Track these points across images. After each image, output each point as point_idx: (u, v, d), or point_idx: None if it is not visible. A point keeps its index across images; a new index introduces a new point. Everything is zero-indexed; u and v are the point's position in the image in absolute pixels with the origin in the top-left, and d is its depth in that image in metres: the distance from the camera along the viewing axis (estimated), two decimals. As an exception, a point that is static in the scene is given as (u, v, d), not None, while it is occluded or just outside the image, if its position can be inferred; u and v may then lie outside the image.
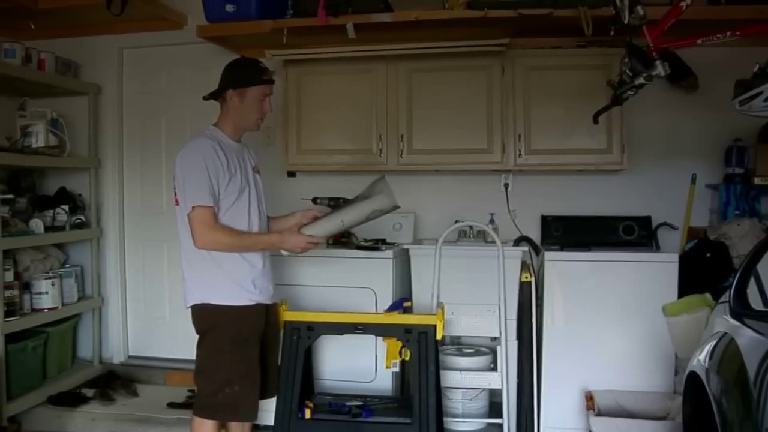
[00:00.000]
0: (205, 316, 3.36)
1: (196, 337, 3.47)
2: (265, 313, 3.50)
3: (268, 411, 3.83)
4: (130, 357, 5.69)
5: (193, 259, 3.35)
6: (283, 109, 4.84)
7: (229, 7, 4.56)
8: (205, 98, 3.48)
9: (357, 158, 4.78)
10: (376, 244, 4.57)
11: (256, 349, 3.43)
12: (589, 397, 4.08)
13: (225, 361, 3.34)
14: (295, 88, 4.82)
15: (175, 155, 5.12)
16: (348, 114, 4.77)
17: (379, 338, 4.02)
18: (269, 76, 3.48)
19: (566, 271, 4.27)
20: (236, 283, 3.35)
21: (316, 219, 3.58)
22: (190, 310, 3.42)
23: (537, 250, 4.80)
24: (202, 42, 4.89)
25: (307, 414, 3.72)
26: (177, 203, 3.36)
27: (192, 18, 5.10)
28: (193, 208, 3.23)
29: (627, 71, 3.58)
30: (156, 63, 5.53)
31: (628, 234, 4.73)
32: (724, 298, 2.82)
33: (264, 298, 3.47)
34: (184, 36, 5.15)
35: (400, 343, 3.72)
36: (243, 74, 3.44)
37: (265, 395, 3.56)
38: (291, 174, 5.14)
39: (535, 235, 4.93)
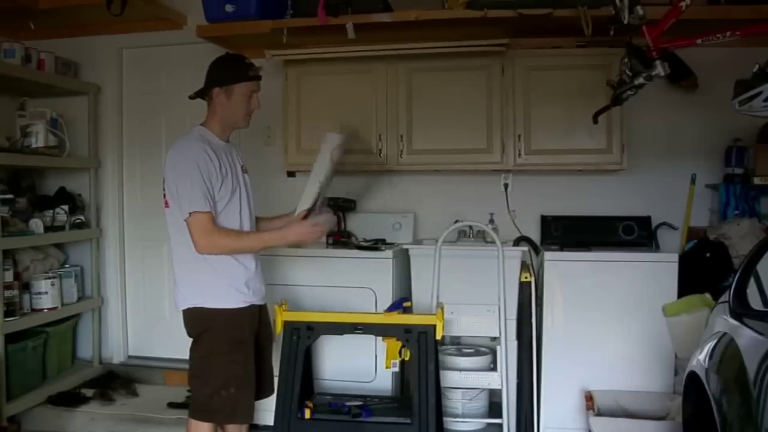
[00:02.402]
0: (199, 320, 3.32)
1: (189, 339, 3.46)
2: (258, 313, 3.48)
3: (267, 411, 3.84)
4: (129, 357, 5.69)
5: (185, 261, 3.31)
6: (283, 109, 4.84)
7: (228, 7, 4.55)
8: (191, 97, 3.41)
9: (357, 158, 4.72)
10: (375, 244, 4.57)
11: (251, 351, 3.41)
12: (589, 397, 4.08)
13: (220, 363, 3.30)
14: (295, 88, 4.80)
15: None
16: (348, 114, 4.75)
17: (379, 338, 4.01)
18: (255, 72, 3.42)
19: (566, 271, 4.26)
20: (230, 285, 3.31)
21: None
22: (181, 312, 3.39)
23: (537, 250, 4.80)
24: (201, 42, 4.85)
25: (307, 414, 3.71)
26: (167, 205, 3.28)
27: (192, 18, 5.11)
28: (190, 214, 3.15)
29: (627, 71, 3.58)
30: (156, 63, 5.53)
31: (628, 234, 4.72)
32: (724, 298, 2.82)
33: (257, 299, 3.44)
34: (184, 36, 5.16)
35: (399, 343, 3.71)
36: (229, 71, 3.38)
37: (260, 396, 3.54)
38: (291, 174, 5.12)
39: (535, 235, 4.93)
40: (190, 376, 3.41)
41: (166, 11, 5.09)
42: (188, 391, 4.70)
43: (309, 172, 4.98)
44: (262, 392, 3.58)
